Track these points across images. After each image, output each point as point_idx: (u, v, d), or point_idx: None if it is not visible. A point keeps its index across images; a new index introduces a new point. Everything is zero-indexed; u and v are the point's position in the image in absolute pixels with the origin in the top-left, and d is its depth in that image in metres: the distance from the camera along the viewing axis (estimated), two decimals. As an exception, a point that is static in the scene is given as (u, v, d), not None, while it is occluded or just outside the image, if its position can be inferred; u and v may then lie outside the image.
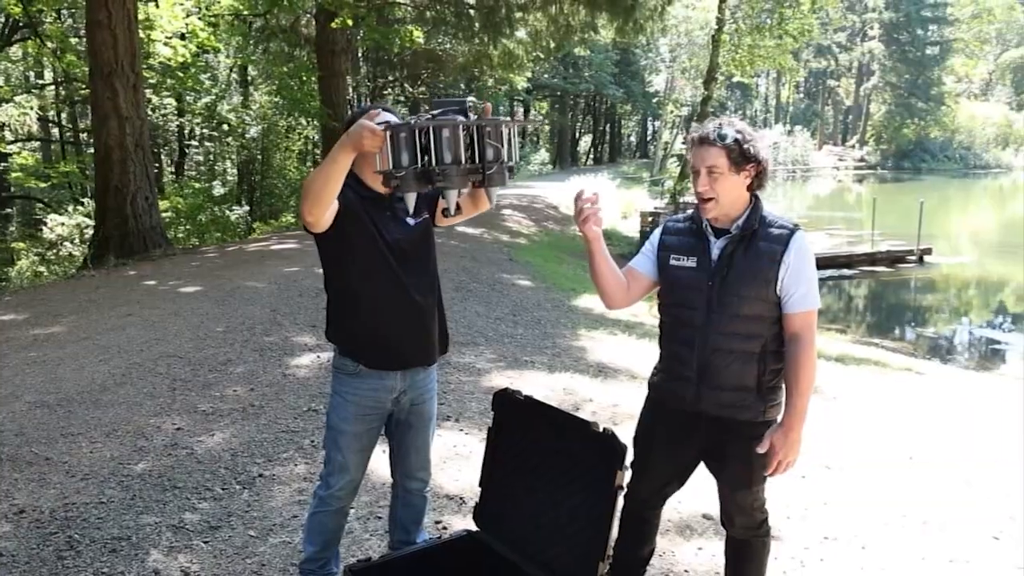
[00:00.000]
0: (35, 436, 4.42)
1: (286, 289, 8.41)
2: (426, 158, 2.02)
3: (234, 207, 20.31)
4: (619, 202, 24.82)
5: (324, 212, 2.27)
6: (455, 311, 7.63)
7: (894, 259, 18.29)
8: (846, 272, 17.37)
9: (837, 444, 4.60)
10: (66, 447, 4.27)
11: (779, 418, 2.41)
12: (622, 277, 2.53)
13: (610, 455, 2.22)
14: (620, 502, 2.22)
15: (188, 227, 17.72)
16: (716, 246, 2.40)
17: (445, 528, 3.41)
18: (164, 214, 15.18)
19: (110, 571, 3.05)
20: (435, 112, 2.11)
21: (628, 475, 2.20)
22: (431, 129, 2.01)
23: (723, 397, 2.39)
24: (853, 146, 64.70)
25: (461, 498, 3.69)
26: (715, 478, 2.54)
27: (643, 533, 2.69)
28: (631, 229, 20.33)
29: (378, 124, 2.05)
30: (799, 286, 2.34)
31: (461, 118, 2.05)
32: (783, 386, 2.41)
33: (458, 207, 2.22)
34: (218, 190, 21.67)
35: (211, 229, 17.94)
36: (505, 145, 2.10)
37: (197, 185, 20.61)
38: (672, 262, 2.47)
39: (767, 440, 2.37)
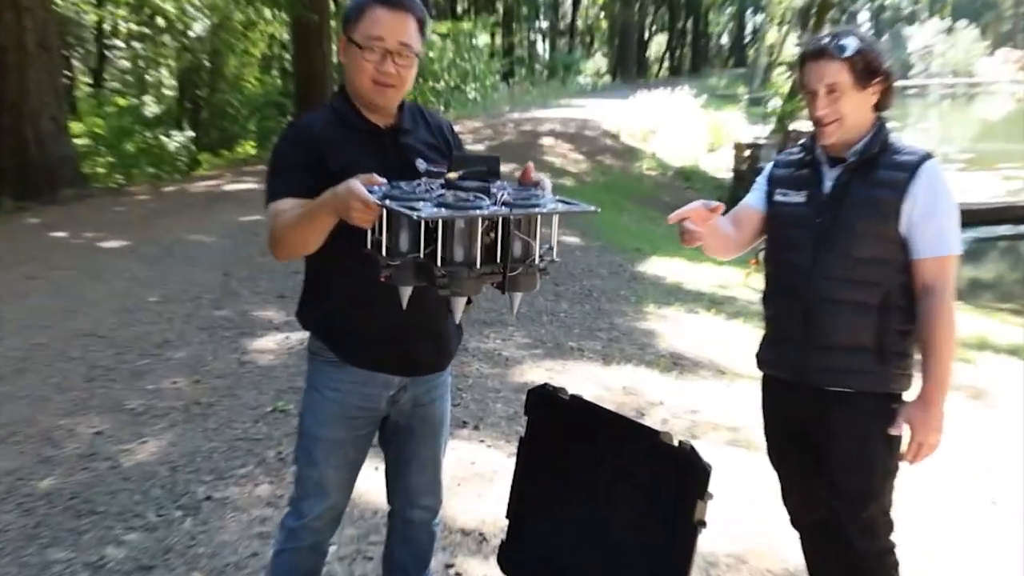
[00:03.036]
0: (-93, 440, 4.53)
1: (243, 245, 8.50)
2: (431, 248, 2.03)
3: (173, 132, 20.49)
4: (706, 129, 24.59)
5: (298, 258, 2.43)
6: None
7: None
8: (1024, 229, 17.06)
9: (1005, 471, 4.55)
10: (-52, 455, 4.38)
11: (911, 395, 2.55)
12: (728, 227, 2.77)
13: (688, 479, 2.22)
14: (699, 543, 2.23)
15: (110, 159, 17.92)
16: (829, 176, 2.62)
17: (460, 574, 3.44)
18: (77, 141, 15.36)
19: (7, 622, 3.14)
20: (454, 175, 2.13)
21: (710, 507, 2.21)
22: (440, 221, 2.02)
23: (834, 359, 2.56)
24: (1040, 51, 63.22)
25: (481, 534, 3.73)
26: (822, 475, 2.64)
27: (824, 561, 2.80)
28: (720, 167, 20.15)
29: (374, 195, 2.06)
30: (930, 224, 2.50)
31: (484, 201, 2.03)
32: (914, 355, 2.55)
33: (469, 300, 2.24)
34: (151, 109, 21.87)
35: (141, 162, 18.14)
36: (538, 236, 2.12)
37: (122, 102, 20.81)
38: (778, 197, 2.72)
39: (901, 418, 2.52)
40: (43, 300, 6.91)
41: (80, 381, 5.33)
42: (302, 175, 2.32)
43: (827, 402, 2.59)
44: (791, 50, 43.16)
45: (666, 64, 55.82)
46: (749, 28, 64.90)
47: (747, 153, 16.87)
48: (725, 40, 68.69)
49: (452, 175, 2.14)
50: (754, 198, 2.81)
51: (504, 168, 2.25)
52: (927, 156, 2.54)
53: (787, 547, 3.62)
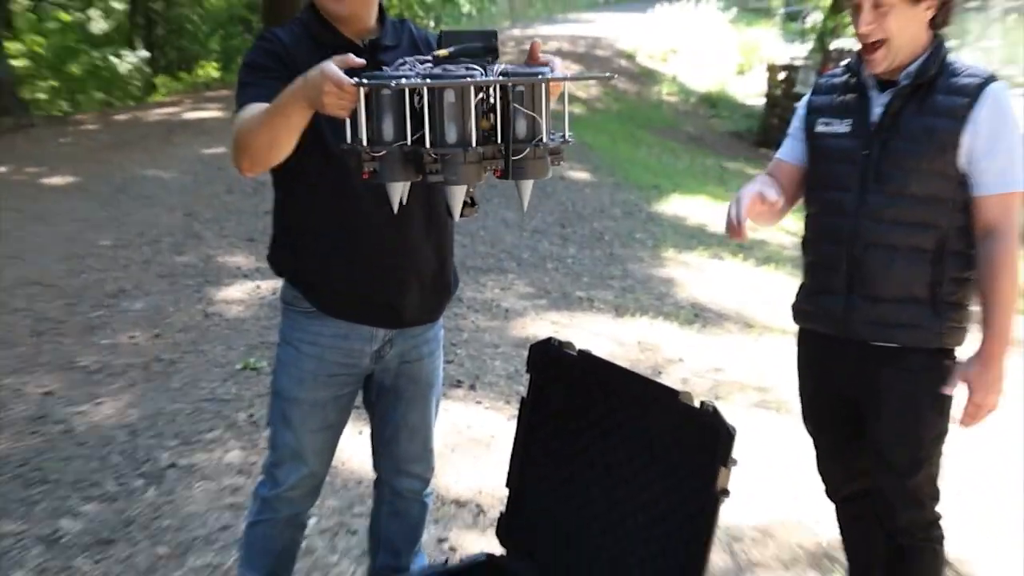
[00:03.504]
0: None
1: (207, 182, 8.49)
2: (420, 132, 1.97)
3: (124, 52, 20.32)
4: (735, 49, 24.37)
5: (266, 169, 2.35)
6: (471, 219, 7.64)
7: None
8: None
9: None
10: None
11: (964, 351, 2.55)
12: (773, 194, 2.63)
13: (710, 443, 2.25)
14: (721, 514, 2.27)
15: (53, 83, 17.81)
16: (878, 102, 2.58)
17: (453, 549, 3.50)
18: (16, 63, 15.26)
19: (-48, 602, 3.20)
20: (444, 51, 2.08)
21: (734, 474, 2.24)
22: (428, 90, 1.95)
23: (883, 311, 2.56)
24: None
25: (478, 505, 3.79)
26: (868, 441, 2.67)
27: (863, 536, 2.86)
28: (751, 92, 20.01)
29: (351, 77, 2.01)
30: (995, 157, 2.47)
31: (477, 72, 1.99)
32: (971, 306, 2.56)
33: (471, 202, 2.19)
34: (98, 26, 21.66)
35: (89, 86, 18.03)
36: (547, 113, 2.05)
37: (65, 18, 20.61)
38: (820, 128, 2.69)
39: (957, 376, 2.52)
40: (-19, 244, 6.91)
41: (26, 335, 5.36)
42: (274, 83, 2.26)
43: (873, 359, 2.60)
44: (833, -43, 42.61)
45: (689, -28, 55.17)
46: (785, -69, 64.08)
47: (782, 76, 16.74)
48: (758, -55, 67.83)
49: (442, 52, 2.09)
50: (789, 150, 2.79)
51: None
52: (991, 78, 2.50)
53: (819, 520, 3.68)
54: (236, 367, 5.00)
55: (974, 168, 2.49)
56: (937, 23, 2.53)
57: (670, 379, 4.88)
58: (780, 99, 16.25)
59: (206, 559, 3.44)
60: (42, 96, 16.75)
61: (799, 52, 21.27)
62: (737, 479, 2.26)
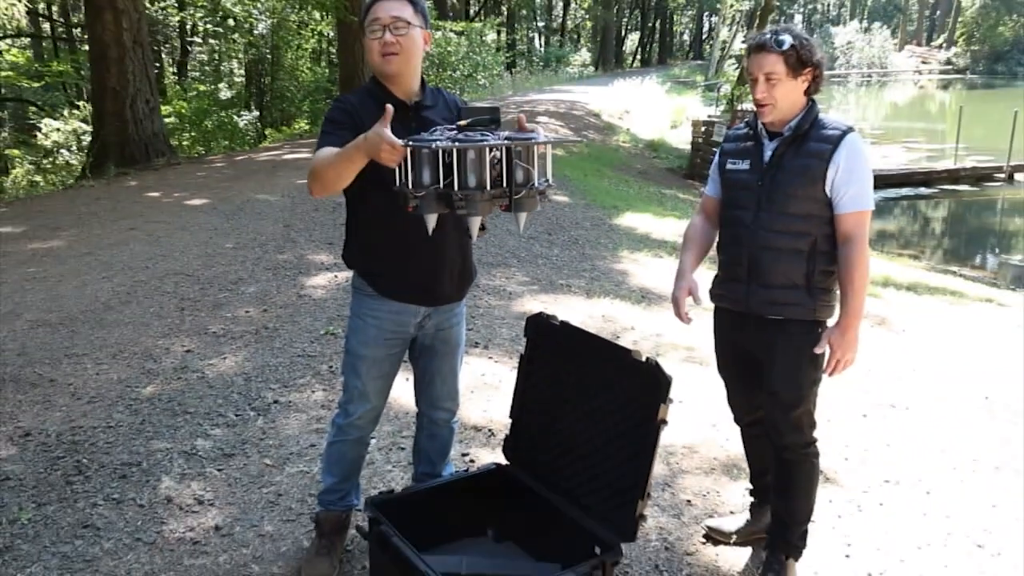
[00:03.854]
0: (38, 356, 4.57)
1: (300, 203, 8.46)
2: (449, 179, 2.02)
3: (242, 112, 20.31)
4: (669, 110, 24.32)
5: (330, 195, 2.37)
6: (485, 236, 7.62)
7: (979, 177, 17.75)
8: (923, 191, 16.92)
9: (904, 382, 4.58)
10: (71, 368, 4.42)
11: (832, 322, 2.58)
12: (705, 237, 2.84)
13: (653, 387, 2.24)
14: (662, 437, 2.26)
15: (193, 134, 17.80)
16: (768, 148, 2.61)
17: (472, 461, 3.49)
18: (167, 119, 15.24)
19: (120, 497, 3.19)
20: (464, 122, 2.12)
21: (670, 409, 2.23)
22: (456, 150, 2.01)
23: (773, 294, 2.58)
24: (940, 46, 62.20)
25: (490, 430, 3.78)
26: (763, 385, 2.66)
27: (767, 458, 2.84)
28: (681, 140, 19.94)
29: (399, 136, 2.05)
30: (850, 186, 2.50)
31: (490, 138, 2.03)
32: (837, 290, 2.57)
33: (483, 227, 2.22)
34: (224, 93, 21.65)
35: (218, 136, 18.01)
36: (536, 165, 2.10)
37: (202, 88, 20.58)
38: (729, 166, 2.72)
39: (824, 339, 2.54)
40: (142, 247, 6.90)
41: (173, 310, 5.35)
42: (344, 134, 2.29)
43: (767, 327, 2.61)
44: (740, 45, 42.52)
45: (639, 57, 54.93)
46: (706, 27, 63.83)
47: (703, 129, 16.62)
48: (687, 37, 67.52)
49: (462, 122, 2.15)
50: (712, 187, 2.81)
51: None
52: (849, 130, 2.53)
53: (729, 440, 3.67)
54: (320, 332, 4.98)
55: (835, 193, 2.50)
56: (810, 91, 2.56)
57: (625, 341, 4.87)
58: (702, 145, 16.19)
59: (299, 467, 3.44)
60: (185, 143, 16.70)
61: (715, 112, 21.23)
62: (672, 412, 2.25)
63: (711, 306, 2.82)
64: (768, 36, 2.50)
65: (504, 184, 2.06)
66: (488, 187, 2.03)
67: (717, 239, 2.81)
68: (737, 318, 2.70)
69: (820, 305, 2.58)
